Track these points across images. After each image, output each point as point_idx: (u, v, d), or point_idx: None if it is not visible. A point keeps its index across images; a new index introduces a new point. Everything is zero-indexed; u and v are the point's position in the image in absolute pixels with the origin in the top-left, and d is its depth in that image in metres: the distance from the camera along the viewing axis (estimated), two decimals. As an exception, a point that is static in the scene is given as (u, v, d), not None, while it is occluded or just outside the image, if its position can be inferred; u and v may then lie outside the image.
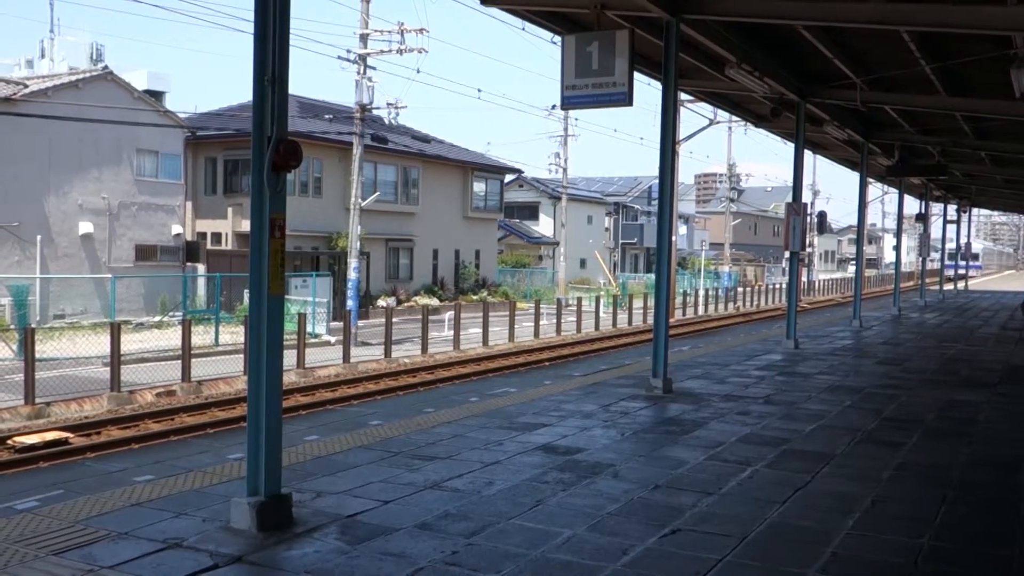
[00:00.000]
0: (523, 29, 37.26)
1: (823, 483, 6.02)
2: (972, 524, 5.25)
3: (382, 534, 4.74)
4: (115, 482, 5.65)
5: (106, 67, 27.74)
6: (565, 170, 39.89)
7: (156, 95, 29.87)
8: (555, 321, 26.91)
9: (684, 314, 34.05)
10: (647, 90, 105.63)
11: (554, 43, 23.66)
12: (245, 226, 27.08)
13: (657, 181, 10.51)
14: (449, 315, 25.04)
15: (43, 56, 34.37)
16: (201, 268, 28.33)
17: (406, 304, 32.04)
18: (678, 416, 8.36)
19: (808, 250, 54.29)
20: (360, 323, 23.22)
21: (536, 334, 25.33)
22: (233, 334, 20.89)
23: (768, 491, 5.76)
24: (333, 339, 21.97)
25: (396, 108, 24.69)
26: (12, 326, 20.36)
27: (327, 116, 30.82)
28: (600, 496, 5.55)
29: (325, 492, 5.49)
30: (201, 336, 20.15)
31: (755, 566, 4.43)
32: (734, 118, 32.66)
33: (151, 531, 4.69)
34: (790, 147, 15.61)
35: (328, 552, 4.46)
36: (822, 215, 50.93)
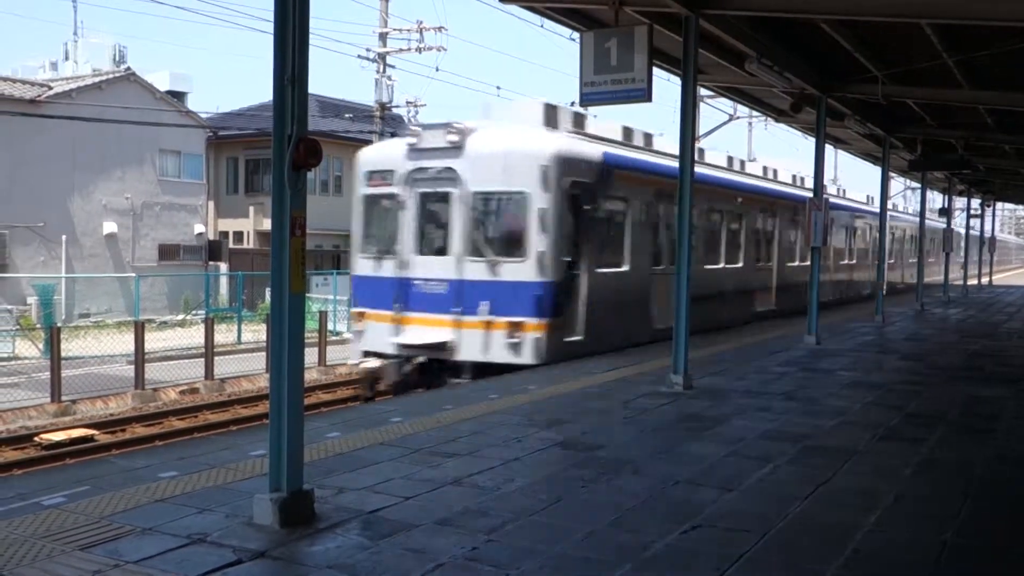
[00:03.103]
0: (542, 26, 37.22)
1: (845, 479, 5.99)
2: (995, 521, 5.21)
3: (403, 530, 4.77)
4: (140, 478, 5.70)
5: (129, 68, 28.00)
6: (585, 167, 39.73)
7: (178, 95, 30.13)
8: (575, 318, 26.80)
9: (705, 310, 33.83)
10: (666, 85, 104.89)
11: (573, 40, 23.63)
12: (266, 225, 27.25)
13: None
14: (469, 312, 24.99)
15: (67, 58, 34.75)
16: (223, 267, 28.54)
17: (426, 302, 32.02)
18: (698, 412, 8.33)
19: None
20: (381, 321, 23.24)
21: (556, 331, 25.27)
22: (255, 332, 21.05)
23: (789, 487, 5.74)
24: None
25: (415, 106, 24.82)
26: (38, 325, 20.63)
27: (347, 115, 30.91)
28: (620, 492, 5.55)
29: (347, 488, 5.53)
30: (224, 334, 20.30)
31: (776, 562, 4.42)
32: (754, 113, 32.38)
33: (175, 527, 4.74)
34: (811, 142, 15.54)
35: (350, 547, 4.50)
36: (844, 210, 50.33)
